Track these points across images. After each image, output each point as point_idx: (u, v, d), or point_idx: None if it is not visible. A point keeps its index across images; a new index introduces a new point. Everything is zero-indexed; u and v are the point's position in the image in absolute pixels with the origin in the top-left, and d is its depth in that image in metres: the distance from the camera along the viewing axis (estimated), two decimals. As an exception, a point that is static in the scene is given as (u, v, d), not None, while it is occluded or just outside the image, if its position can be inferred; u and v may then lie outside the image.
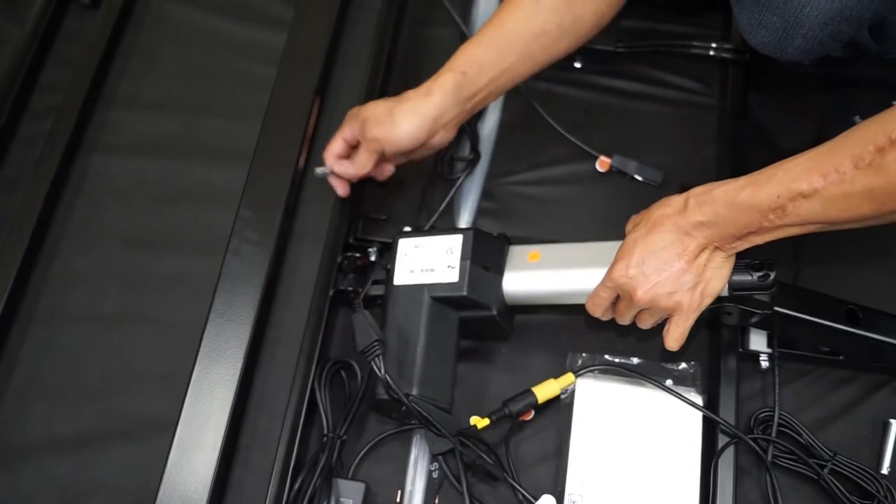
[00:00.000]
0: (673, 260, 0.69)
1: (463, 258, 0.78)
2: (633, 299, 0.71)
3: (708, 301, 0.72)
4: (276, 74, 0.93)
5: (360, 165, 0.83)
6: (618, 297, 0.74)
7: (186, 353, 0.82)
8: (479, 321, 0.80)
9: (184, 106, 1.00)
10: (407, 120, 0.80)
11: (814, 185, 0.62)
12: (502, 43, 0.81)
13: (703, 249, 0.69)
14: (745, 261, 0.72)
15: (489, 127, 0.97)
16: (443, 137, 0.83)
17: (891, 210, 0.61)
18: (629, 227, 0.75)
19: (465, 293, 0.77)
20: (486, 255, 0.79)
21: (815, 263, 0.87)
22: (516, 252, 0.81)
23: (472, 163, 0.94)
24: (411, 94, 0.81)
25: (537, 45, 0.81)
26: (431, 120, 0.80)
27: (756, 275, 0.72)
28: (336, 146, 0.84)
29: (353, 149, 0.85)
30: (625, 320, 0.76)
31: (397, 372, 0.76)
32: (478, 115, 0.96)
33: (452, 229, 0.84)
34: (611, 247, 0.75)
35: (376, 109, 0.81)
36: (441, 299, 0.79)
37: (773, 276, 0.72)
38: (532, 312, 0.87)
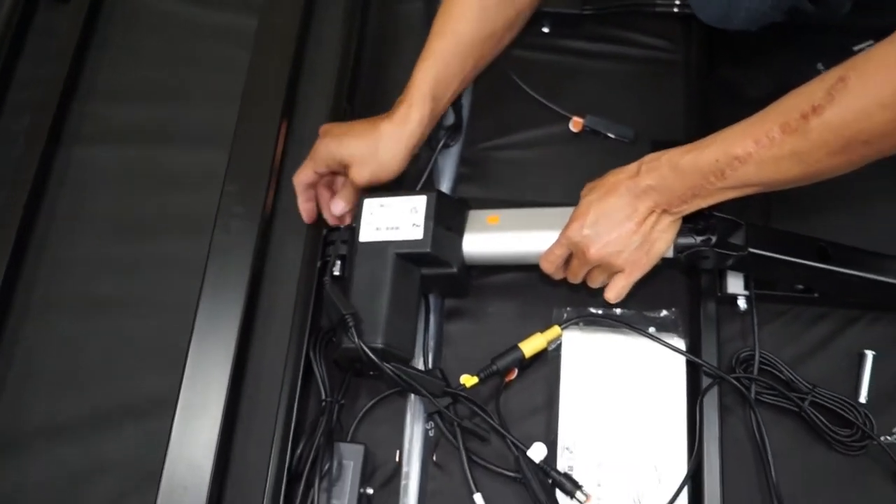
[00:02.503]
0: (624, 221, 0.74)
1: (427, 217, 0.80)
2: (585, 257, 0.76)
3: (653, 262, 0.77)
4: (250, 57, 0.94)
5: (347, 203, 0.84)
6: (570, 256, 0.78)
7: (182, 332, 0.83)
8: (440, 278, 0.83)
9: (161, 93, 1.00)
10: (394, 157, 0.81)
11: (747, 149, 0.66)
12: (460, 56, 0.82)
13: (651, 212, 0.74)
14: (689, 224, 0.77)
15: (465, 95, 0.98)
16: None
17: (817, 171, 0.66)
18: (585, 191, 0.78)
19: (428, 250, 0.79)
20: (448, 216, 0.82)
21: (785, 205, 0.88)
22: (476, 215, 0.83)
23: (456, 130, 0.95)
24: (386, 126, 0.80)
25: (488, 46, 0.84)
26: (412, 149, 0.82)
27: (699, 238, 0.77)
28: (307, 177, 0.84)
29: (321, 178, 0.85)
30: (577, 278, 0.80)
31: (364, 324, 0.77)
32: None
33: (416, 191, 0.85)
34: (565, 211, 0.80)
35: (357, 148, 0.80)
36: (405, 256, 0.80)
37: (714, 239, 0.77)
38: (492, 272, 0.89)
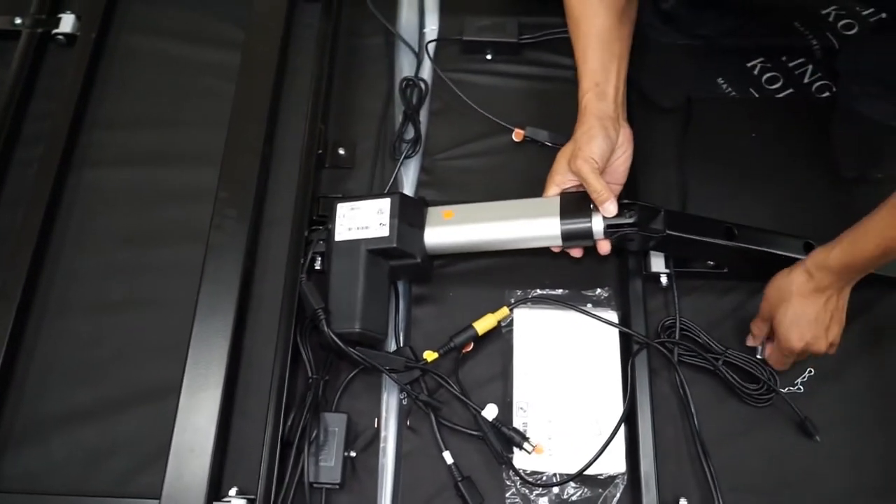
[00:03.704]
0: (819, 316, 0.82)
1: (392, 216, 0.86)
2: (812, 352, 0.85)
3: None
4: (235, 86, 1.00)
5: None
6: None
7: (182, 327, 0.87)
8: (407, 268, 0.89)
9: (158, 121, 1.05)
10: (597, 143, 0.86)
11: None
12: (605, 46, 0.89)
13: (830, 296, 0.82)
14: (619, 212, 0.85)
15: (423, 114, 1.06)
16: (623, 134, 0.89)
17: None
18: (775, 308, 0.84)
19: (395, 245, 0.86)
20: (410, 214, 0.88)
21: (701, 194, 0.97)
22: (434, 211, 0.90)
23: (415, 143, 1.03)
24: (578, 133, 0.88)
25: (625, 27, 0.91)
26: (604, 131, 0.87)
27: (625, 220, 0.85)
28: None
29: None
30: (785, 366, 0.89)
31: (342, 312, 0.84)
32: (419, 105, 1.05)
33: (381, 194, 0.91)
34: (507, 204, 0.88)
35: (596, 153, 0.85)
36: (375, 251, 0.87)
37: (634, 215, 0.85)
38: (451, 262, 0.96)
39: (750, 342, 0.91)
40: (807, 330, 0.83)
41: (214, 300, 0.87)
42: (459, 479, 0.84)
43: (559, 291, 0.95)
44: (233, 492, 0.82)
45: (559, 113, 1.02)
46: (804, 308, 0.82)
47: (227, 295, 0.88)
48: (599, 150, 0.86)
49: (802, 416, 0.87)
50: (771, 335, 0.88)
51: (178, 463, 0.80)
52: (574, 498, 0.85)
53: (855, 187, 1.00)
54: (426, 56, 1.09)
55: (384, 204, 0.88)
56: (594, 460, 0.84)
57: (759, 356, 0.90)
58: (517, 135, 1.03)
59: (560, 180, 0.89)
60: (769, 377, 0.88)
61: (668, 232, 0.86)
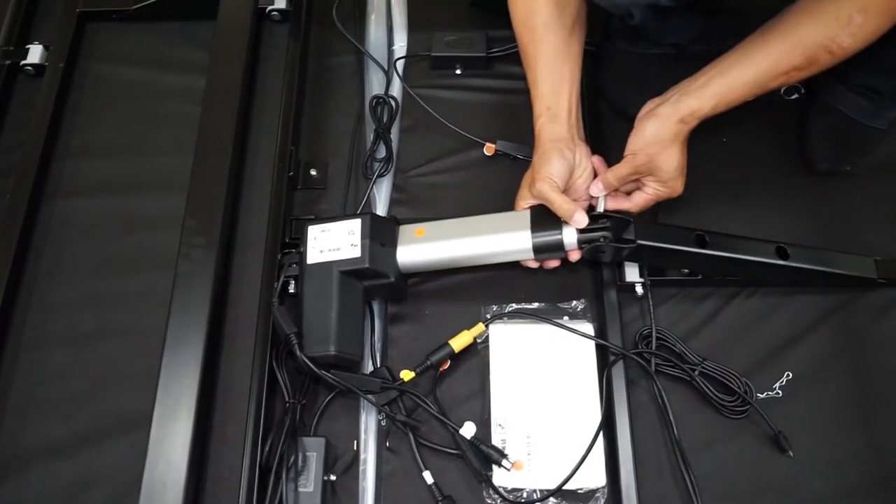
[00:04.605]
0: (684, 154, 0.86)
1: (363, 237, 0.85)
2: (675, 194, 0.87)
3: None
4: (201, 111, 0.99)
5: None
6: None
7: (158, 354, 0.85)
8: (380, 287, 0.88)
9: (128, 149, 1.05)
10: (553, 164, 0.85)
11: (779, 81, 0.80)
12: (553, 69, 0.88)
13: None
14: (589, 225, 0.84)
15: (394, 131, 1.05)
16: (580, 153, 0.88)
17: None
18: (649, 147, 0.84)
19: (367, 265, 0.84)
20: (381, 234, 0.86)
21: (669, 202, 0.92)
22: (405, 229, 0.89)
23: (388, 161, 1.01)
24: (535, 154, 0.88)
25: (574, 47, 0.91)
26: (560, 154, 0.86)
27: (598, 232, 0.84)
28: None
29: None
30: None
31: (317, 335, 0.82)
32: (390, 122, 1.04)
33: (352, 215, 0.89)
34: (478, 219, 0.87)
35: (554, 173, 0.85)
36: (348, 272, 0.85)
37: (607, 222, 0.84)
38: (427, 280, 0.95)
39: (598, 191, 0.87)
40: (684, 174, 0.86)
41: (183, 330, 0.86)
42: (440, 498, 0.83)
43: (535, 305, 0.93)
44: (212, 521, 0.81)
45: (530, 125, 0.98)
46: (683, 154, 0.85)
47: (196, 324, 0.86)
48: (557, 170, 0.85)
49: (776, 431, 0.85)
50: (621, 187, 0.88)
51: (150, 499, 0.78)
52: (555, 513, 0.83)
53: (824, 181, 1.00)
54: (395, 73, 1.08)
55: (355, 225, 0.87)
56: (573, 474, 0.82)
57: (600, 209, 0.87)
58: (488, 149, 1.03)
59: (524, 206, 0.88)
60: (746, 389, 0.86)
61: (640, 242, 0.85)
